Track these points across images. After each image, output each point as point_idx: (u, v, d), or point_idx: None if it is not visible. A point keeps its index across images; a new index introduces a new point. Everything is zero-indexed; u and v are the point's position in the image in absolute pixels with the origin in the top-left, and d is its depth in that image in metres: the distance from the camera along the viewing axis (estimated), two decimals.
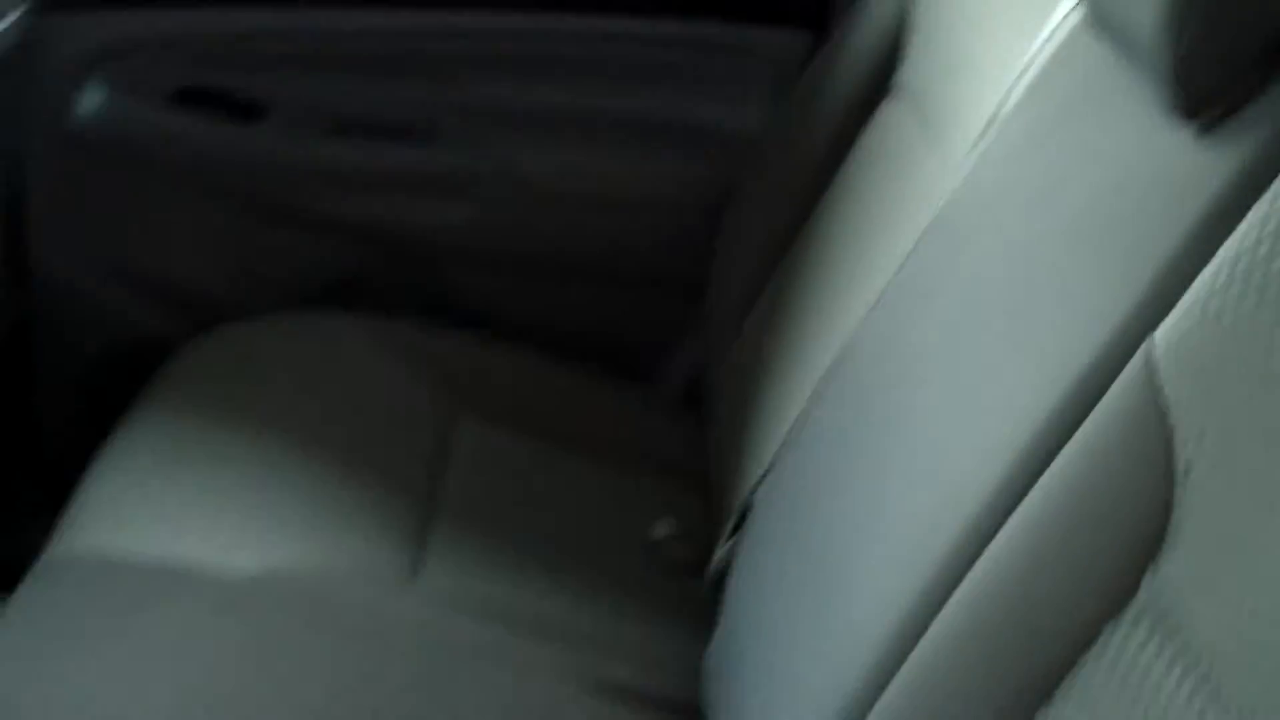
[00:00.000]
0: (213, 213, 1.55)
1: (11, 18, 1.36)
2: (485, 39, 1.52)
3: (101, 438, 1.28)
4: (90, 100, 1.48)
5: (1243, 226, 0.62)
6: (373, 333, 1.45)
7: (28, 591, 1.06)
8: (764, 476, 1.09)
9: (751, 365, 1.27)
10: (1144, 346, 0.65)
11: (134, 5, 1.48)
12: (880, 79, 1.28)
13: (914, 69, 1.23)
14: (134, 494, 1.17)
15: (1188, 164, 0.71)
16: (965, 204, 0.94)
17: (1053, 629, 0.66)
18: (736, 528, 1.13)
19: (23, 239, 1.52)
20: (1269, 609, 0.55)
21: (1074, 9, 0.93)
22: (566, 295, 1.60)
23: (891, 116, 1.25)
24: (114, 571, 1.09)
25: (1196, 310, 0.63)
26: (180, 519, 1.14)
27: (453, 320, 1.54)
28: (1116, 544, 0.64)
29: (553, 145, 1.55)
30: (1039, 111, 0.90)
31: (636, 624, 1.18)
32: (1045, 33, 0.97)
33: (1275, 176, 0.63)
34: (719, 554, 1.13)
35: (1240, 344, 0.60)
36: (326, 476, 1.22)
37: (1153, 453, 0.62)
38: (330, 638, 1.06)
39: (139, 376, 1.39)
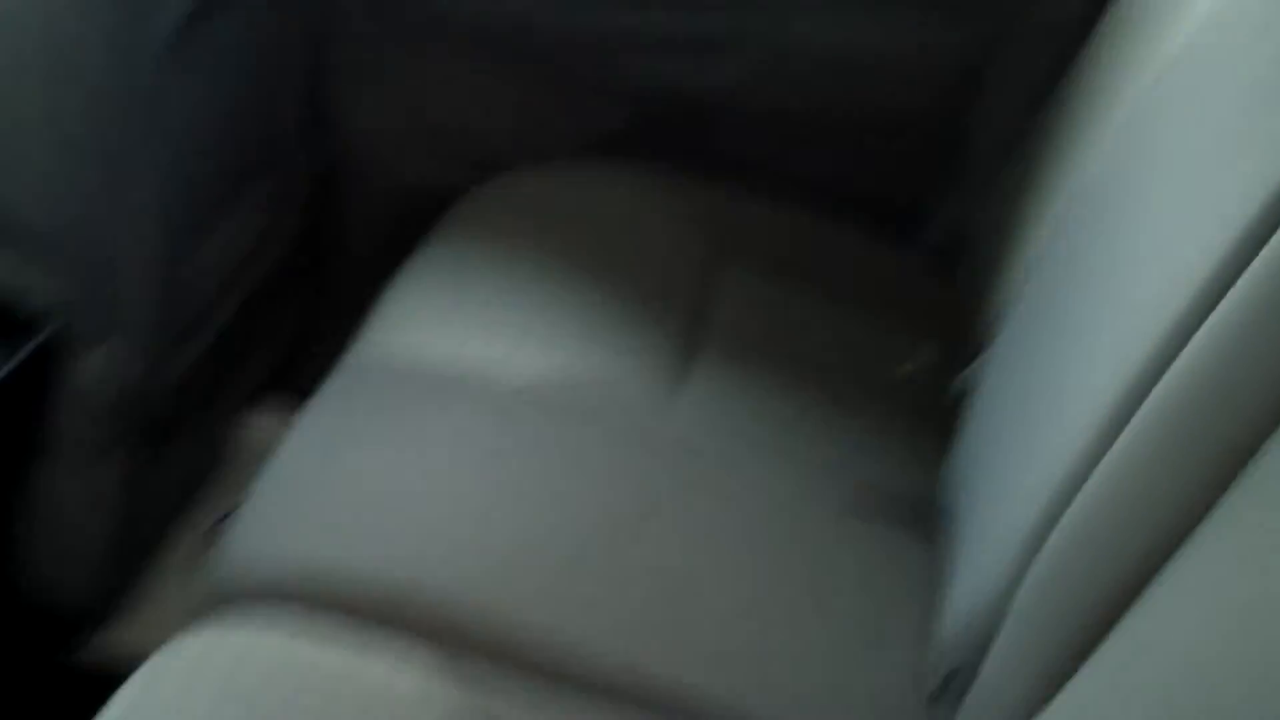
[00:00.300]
0: (497, 70, 1.65)
1: None
2: None
3: (397, 271, 1.41)
4: None
5: None
6: (645, 181, 1.54)
7: (326, 391, 1.20)
8: (1007, 305, 1.15)
9: (1005, 212, 1.32)
10: None
11: None
12: None
13: None
14: (423, 310, 1.30)
15: None
16: (1203, 40, 0.97)
17: (1246, 411, 0.70)
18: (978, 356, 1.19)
19: (328, 92, 1.66)
20: None
21: None
22: (830, 153, 1.65)
23: None
24: (403, 374, 1.21)
25: None
26: (463, 331, 1.26)
27: (719, 174, 1.62)
28: None
29: (819, 6, 1.59)
30: None
31: (883, 446, 1.26)
32: None
33: None
34: (962, 378, 1.19)
35: None
36: (598, 303, 1.32)
37: None
38: (595, 441, 1.16)
39: (429, 219, 1.52)
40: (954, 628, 0.96)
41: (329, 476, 1.08)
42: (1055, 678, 0.78)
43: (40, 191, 1.15)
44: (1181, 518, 0.72)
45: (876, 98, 1.61)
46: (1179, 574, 0.71)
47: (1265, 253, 0.71)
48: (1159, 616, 0.72)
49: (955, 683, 0.93)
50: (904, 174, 1.64)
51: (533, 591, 1.00)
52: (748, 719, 0.96)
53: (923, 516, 1.16)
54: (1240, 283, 0.72)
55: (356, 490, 1.07)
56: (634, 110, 1.66)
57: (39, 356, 1.14)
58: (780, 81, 1.62)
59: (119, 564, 1.37)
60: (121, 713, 0.88)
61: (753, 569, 1.07)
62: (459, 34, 1.63)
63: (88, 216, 1.18)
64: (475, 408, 1.17)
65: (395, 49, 1.64)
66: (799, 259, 1.50)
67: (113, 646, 1.37)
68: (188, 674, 0.91)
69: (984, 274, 1.31)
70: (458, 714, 0.91)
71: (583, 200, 1.50)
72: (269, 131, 1.54)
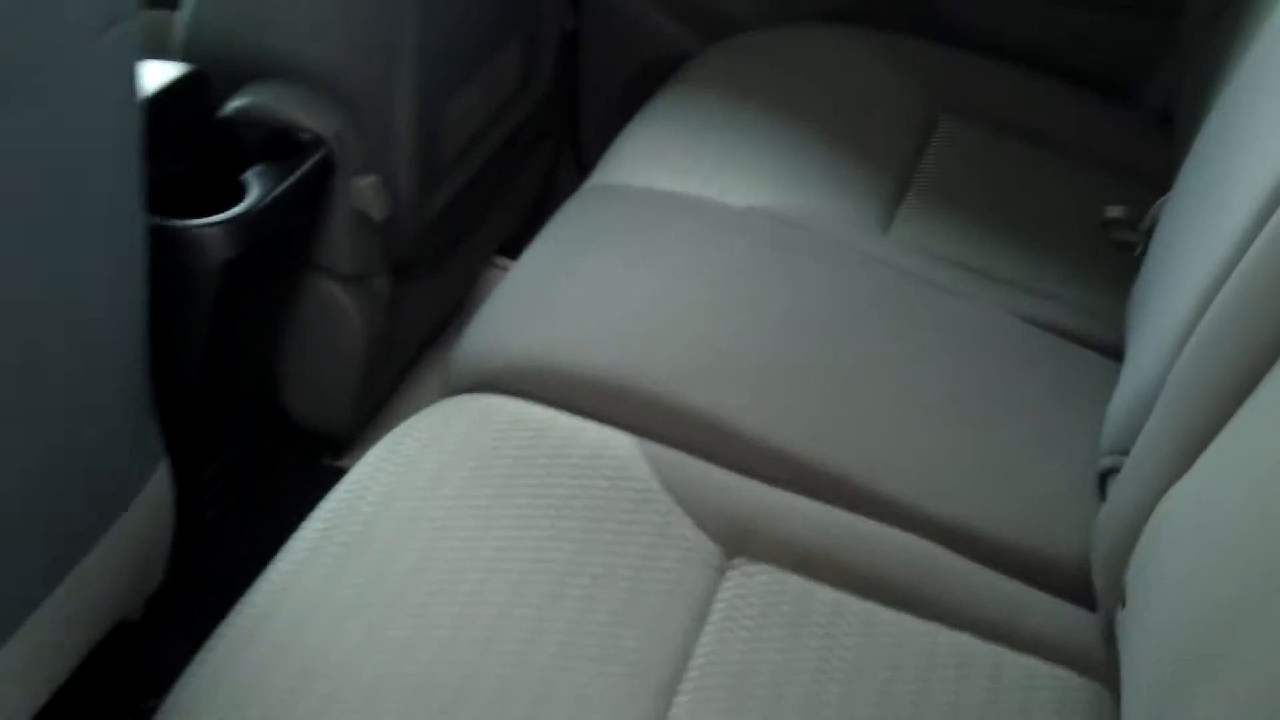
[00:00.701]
0: None
1: None
2: None
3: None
4: None
5: None
6: (870, 42, 1.62)
7: (562, 214, 1.34)
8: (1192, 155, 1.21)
9: (1208, 73, 1.36)
10: None
11: None
12: None
13: None
14: (655, 147, 1.42)
15: None
16: None
17: None
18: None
19: None
20: None
21: None
22: (1053, 16, 1.70)
23: None
24: (632, 197, 1.35)
25: None
26: (692, 164, 1.39)
27: (945, 37, 1.69)
28: None
29: None
30: None
31: (1077, 281, 1.34)
32: None
33: None
34: (1148, 218, 1.26)
35: None
36: (817, 146, 1.43)
37: None
38: (806, 261, 1.27)
39: (667, 80, 1.63)
40: (1115, 422, 1.04)
41: (557, 283, 1.22)
42: (1189, 454, 0.85)
43: (322, 33, 1.30)
44: None
45: None
46: None
47: None
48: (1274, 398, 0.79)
49: (1113, 471, 1.01)
50: (1127, 41, 1.68)
51: (731, 389, 1.11)
52: (928, 508, 1.06)
53: (1109, 339, 1.23)
54: None
55: (580, 295, 1.20)
56: None
57: (314, 177, 1.29)
58: None
59: (370, 385, 1.53)
60: (371, 467, 1.03)
61: (945, 375, 1.17)
62: None
63: (362, 57, 1.33)
64: (696, 227, 1.29)
65: None
66: (1017, 114, 1.57)
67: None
68: (430, 433, 1.05)
69: (1185, 132, 1.36)
70: (651, 494, 1.03)
71: (811, 58, 1.60)
72: None
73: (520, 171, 1.78)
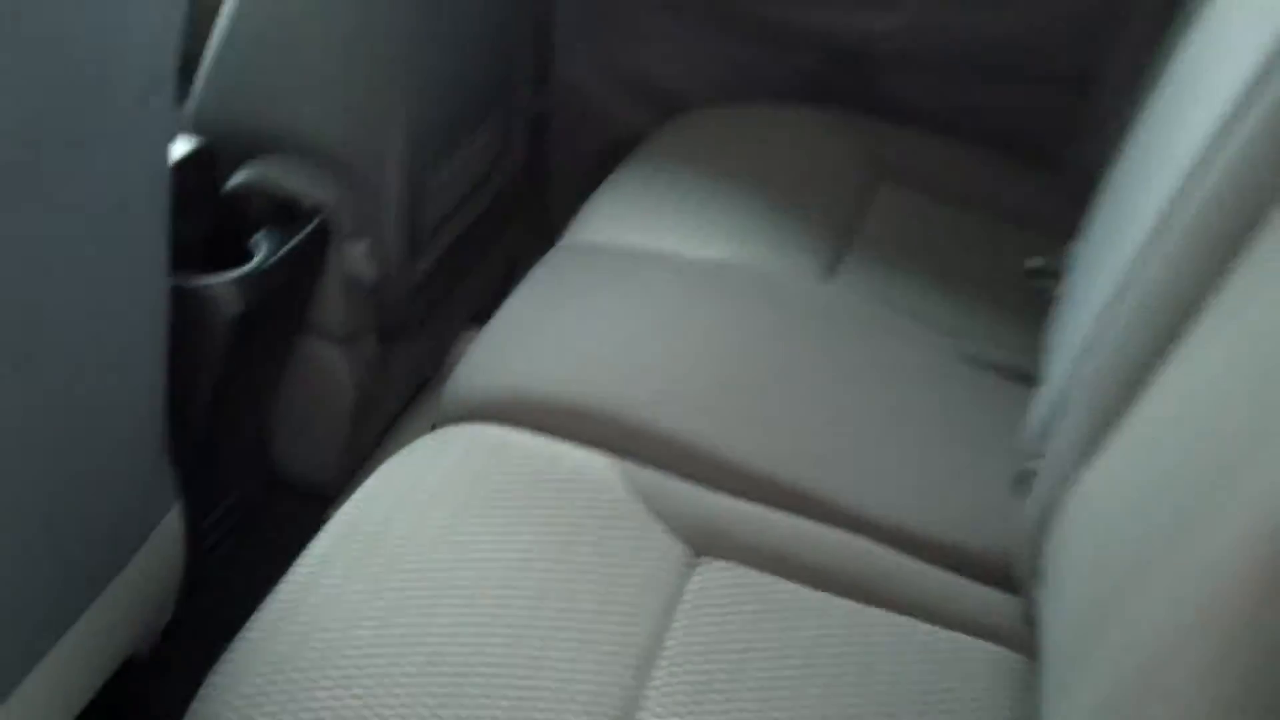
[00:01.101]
0: (687, 25, 1.91)
1: None
2: None
3: None
4: None
5: None
6: (815, 118, 1.78)
7: (540, 268, 1.48)
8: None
9: (1120, 137, 1.51)
10: None
11: None
12: None
13: None
14: (620, 211, 1.57)
15: None
16: None
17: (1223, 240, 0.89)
18: None
19: (550, 43, 1.94)
20: None
21: None
22: (982, 91, 1.85)
23: None
24: (603, 253, 1.49)
25: None
26: (650, 224, 1.53)
27: (882, 113, 1.84)
28: None
29: None
30: None
31: (1004, 318, 1.49)
32: None
33: None
34: (1061, 260, 1.40)
35: None
36: (767, 207, 1.57)
37: None
38: (759, 306, 1.41)
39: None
40: (1031, 429, 1.17)
41: (537, 326, 1.36)
42: (1094, 445, 0.98)
43: (320, 111, 1.44)
44: (1190, 305, 0.91)
45: (1021, 36, 1.81)
46: (1191, 348, 0.91)
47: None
48: (1166, 391, 0.92)
49: (1030, 472, 1.14)
50: (1048, 111, 1.84)
51: (695, 413, 1.25)
52: (871, 513, 1.19)
53: (1032, 371, 1.36)
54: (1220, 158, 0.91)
55: (559, 335, 1.34)
56: (806, 58, 1.89)
57: (312, 242, 1.42)
58: (937, 27, 1.83)
59: (355, 443, 1.64)
60: (372, 488, 1.15)
61: (883, 401, 1.31)
62: None
63: (357, 131, 1.46)
64: (660, 276, 1.43)
65: (608, 8, 1.93)
66: (949, 181, 1.72)
67: None
68: (426, 458, 1.18)
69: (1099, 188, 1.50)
70: (626, 504, 1.16)
71: (762, 131, 1.75)
72: (500, 75, 1.82)
73: (493, 243, 1.92)
